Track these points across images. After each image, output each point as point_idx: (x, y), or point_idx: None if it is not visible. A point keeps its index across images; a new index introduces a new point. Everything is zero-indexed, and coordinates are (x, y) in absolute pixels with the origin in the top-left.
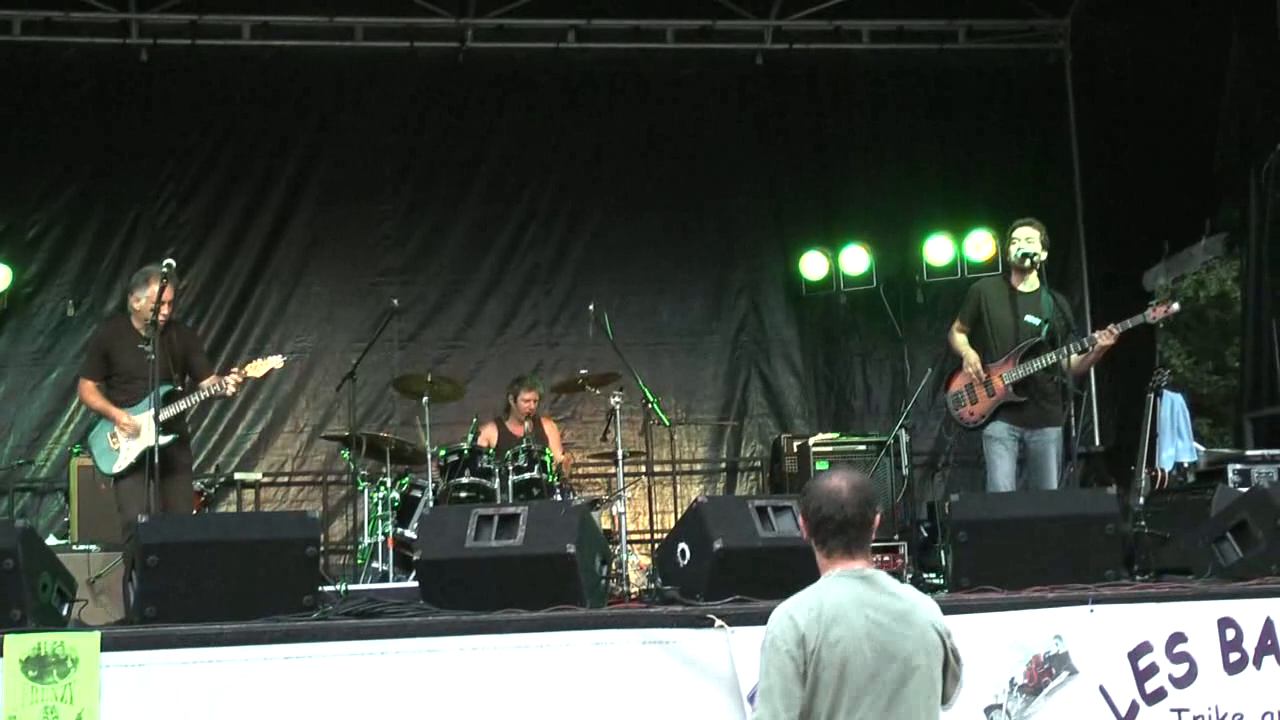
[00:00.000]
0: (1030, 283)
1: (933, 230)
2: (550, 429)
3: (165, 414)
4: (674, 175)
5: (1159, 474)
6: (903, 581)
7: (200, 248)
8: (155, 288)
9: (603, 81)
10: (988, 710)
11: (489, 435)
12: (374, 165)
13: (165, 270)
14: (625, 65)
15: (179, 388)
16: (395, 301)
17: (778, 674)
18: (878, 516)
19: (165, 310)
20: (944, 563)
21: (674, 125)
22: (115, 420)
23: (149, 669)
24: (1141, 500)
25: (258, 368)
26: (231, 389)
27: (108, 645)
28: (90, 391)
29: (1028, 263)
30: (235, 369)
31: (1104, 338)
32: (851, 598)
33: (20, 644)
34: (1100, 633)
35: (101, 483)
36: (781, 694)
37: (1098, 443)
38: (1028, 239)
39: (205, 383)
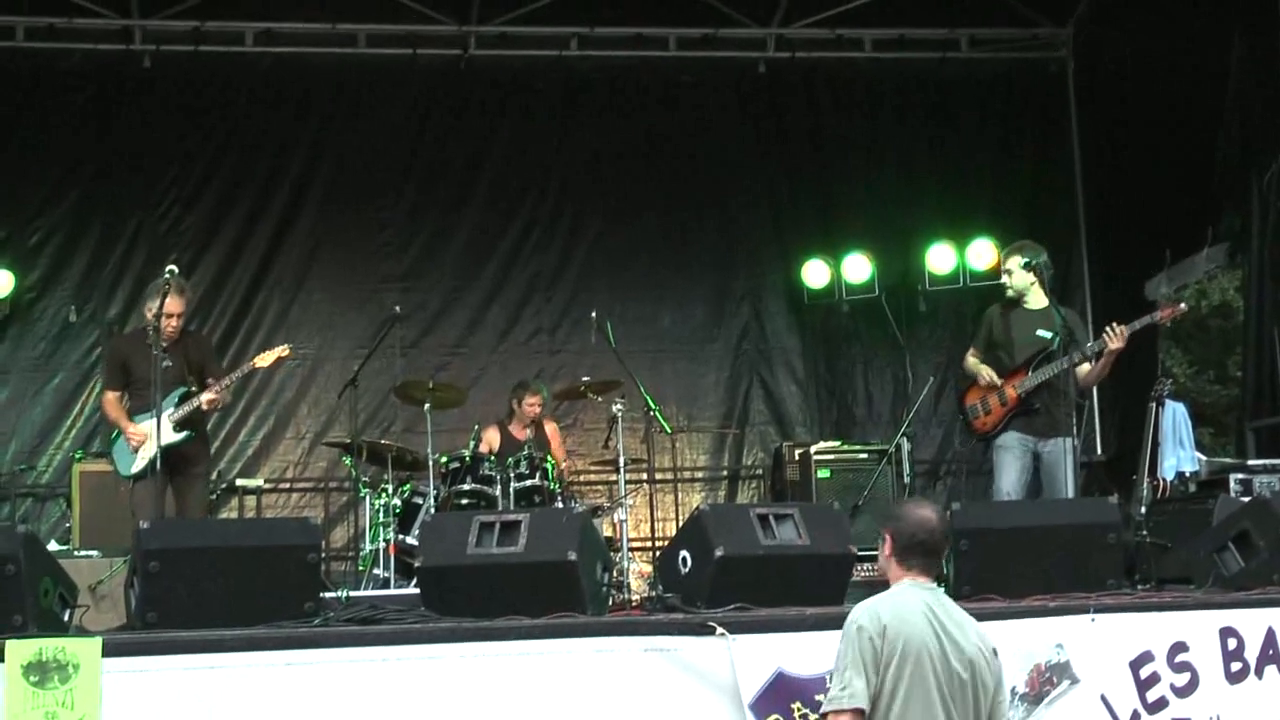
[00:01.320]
0: (1038, 299)
1: (935, 239)
2: (553, 432)
3: (179, 413)
4: (675, 183)
5: (1161, 483)
6: None
7: (202, 254)
8: (171, 298)
9: (604, 89)
10: None
11: (491, 439)
12: (376, 172)
13: (167, 276)
14: (627, 73)
15: (194, 390)
16: (397, 308)
17: (858, 655)
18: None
19: (173, 320)
20: (945, 571)
21: (675, 132)
22: (124, 432)
23: (150, 675)
24: (1143, 509)
25: (265, 358)
26: (236, 378)
27: (109, 651)
28: (110, 403)
29: (1011, 294)
30: (234, 372)
31: (1114, 340)
32: (922, 605)
33: (21, 649)
34: (1102, 642)
35: (120, 485)
36: (859, 673)
37: (1099, 452)
38: (1007, 272)
39: (212, 388)
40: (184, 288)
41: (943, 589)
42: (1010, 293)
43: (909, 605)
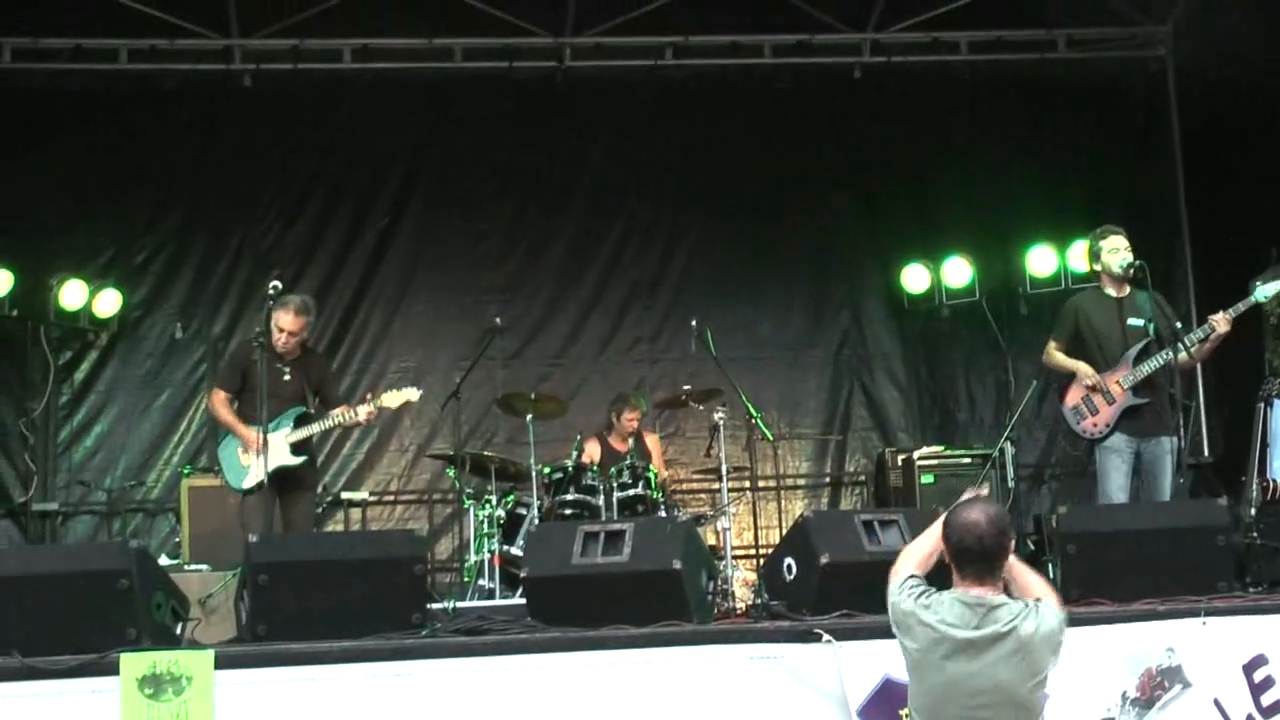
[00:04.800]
0: (1125, 287)
1: (1035, 241)
2: (653, 444)
3: (296, 436)
4: (772, 189)
5: (1270, 484)
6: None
7: (304, 269)
8: (277, 313)
9: (700, 97)
10: None
11: (592, 451)
12: (474, 184)
13: (271, 293)
14: (722, 81)
15: (310, 410)
16: (498, 320)
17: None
18: (1012, 542)
19: (284, 337)
20: (1051, 575)
21: (771, 139)
22: (242, 437)
23: (261, 687)
24: (1253, 511)
25: (393, 399)
26: (363, 419)
27: (221, 664)
28: (221, 402)
29: (1133, 272)
30: (370, 397)
31: (1220, 324)
32: (956, 618)
33: (136, 663)
34: (1213, 645)
35: (228, 496)
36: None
37: (1206, 453)
38: (1127, 248)
39: (335, 411)
40: (307, 307)
41: (1007, 599)
42: (1116, 272)
43: (950, 617)
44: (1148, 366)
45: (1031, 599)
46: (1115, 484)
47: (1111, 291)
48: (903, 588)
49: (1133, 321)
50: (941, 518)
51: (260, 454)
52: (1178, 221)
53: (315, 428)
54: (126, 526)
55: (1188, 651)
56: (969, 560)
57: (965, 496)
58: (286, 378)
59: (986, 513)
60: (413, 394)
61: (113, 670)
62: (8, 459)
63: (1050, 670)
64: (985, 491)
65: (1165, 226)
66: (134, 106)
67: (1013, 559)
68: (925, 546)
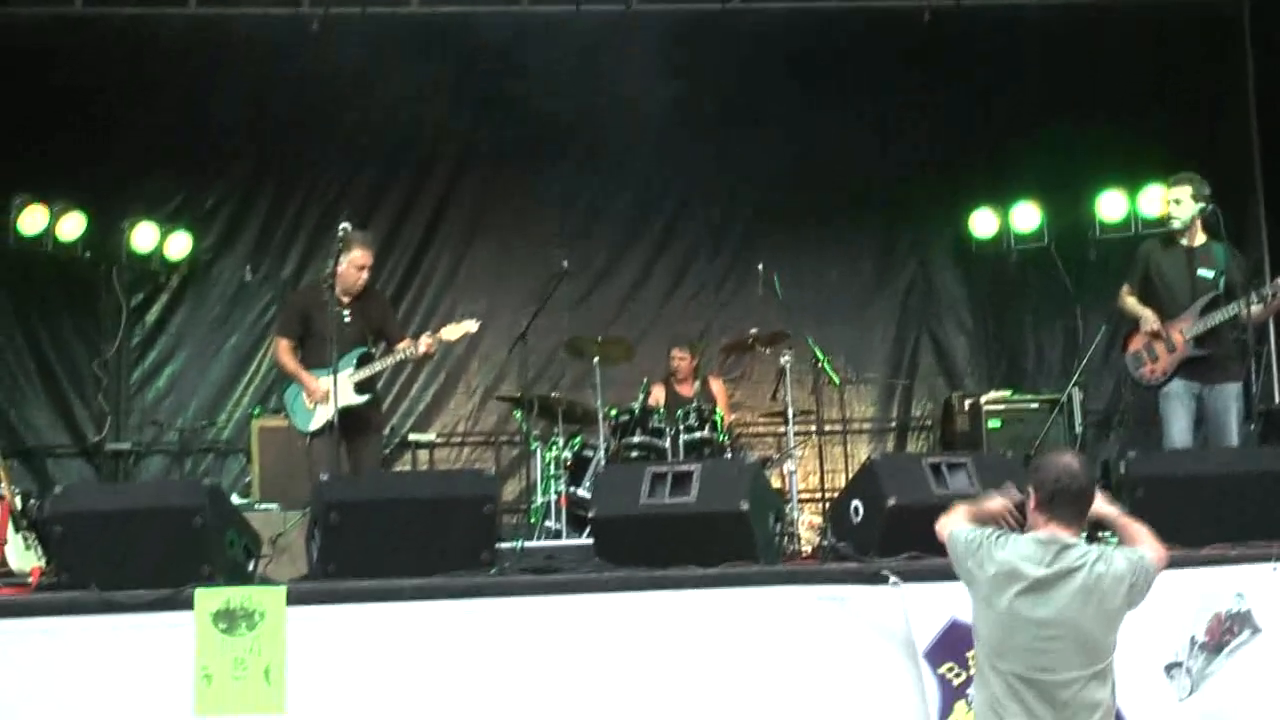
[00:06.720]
0: (1198, 236)
1: (1105, 186)
2: (718, 388)
3: (360, 375)
4: (839, 134)
5: None
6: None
7: (372, 214)
8: (353, 252)
9: (768, 42)
10: (1168, 668)
11: (657, 395)
12: (541, 129)
13: (341, 234)
14: (789, 24)
15: (373, 350)
16: (565, 264)
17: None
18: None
19: (364, 274)
20: None
21: (839, 83)
22: (305, 385)
23: (331, 622)
24: None
25: (452, 331)
26: (424, 349)
27: (292, 600)
28: (285, 351)
29: (1176, 224)
30: (429, 332)
31: None
32: (1028, 556)
33: (211, 598)
34: None
35: (297, 440)
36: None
37: (1278, 400)
38: (1175, 201)
39: (399, 346)
40: (370, 241)
41: (1094, 542)
42: (1177, 224)
43: (1020, 557)
44: (1212, 319)
45: (1130, 547)
46: (1177, 429)
47: (1183, 239)
48: (970, 529)
49: (1202, 272)
50: (1002, 491)
51: (324, 402)
52: (1250, 167)
53: (378, 365)
54: (198, 466)
55: (1257, 597)
56: (1065, 502)
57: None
58: (348, 319)
59: (1078, 457)
60: (471, 326)
61: (188, 605)
62: (81, 399)
63: (1123, 613)
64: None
65: (1238, 172)
66: (203, 52)
67: (1116, 511)
68: (985, 510)
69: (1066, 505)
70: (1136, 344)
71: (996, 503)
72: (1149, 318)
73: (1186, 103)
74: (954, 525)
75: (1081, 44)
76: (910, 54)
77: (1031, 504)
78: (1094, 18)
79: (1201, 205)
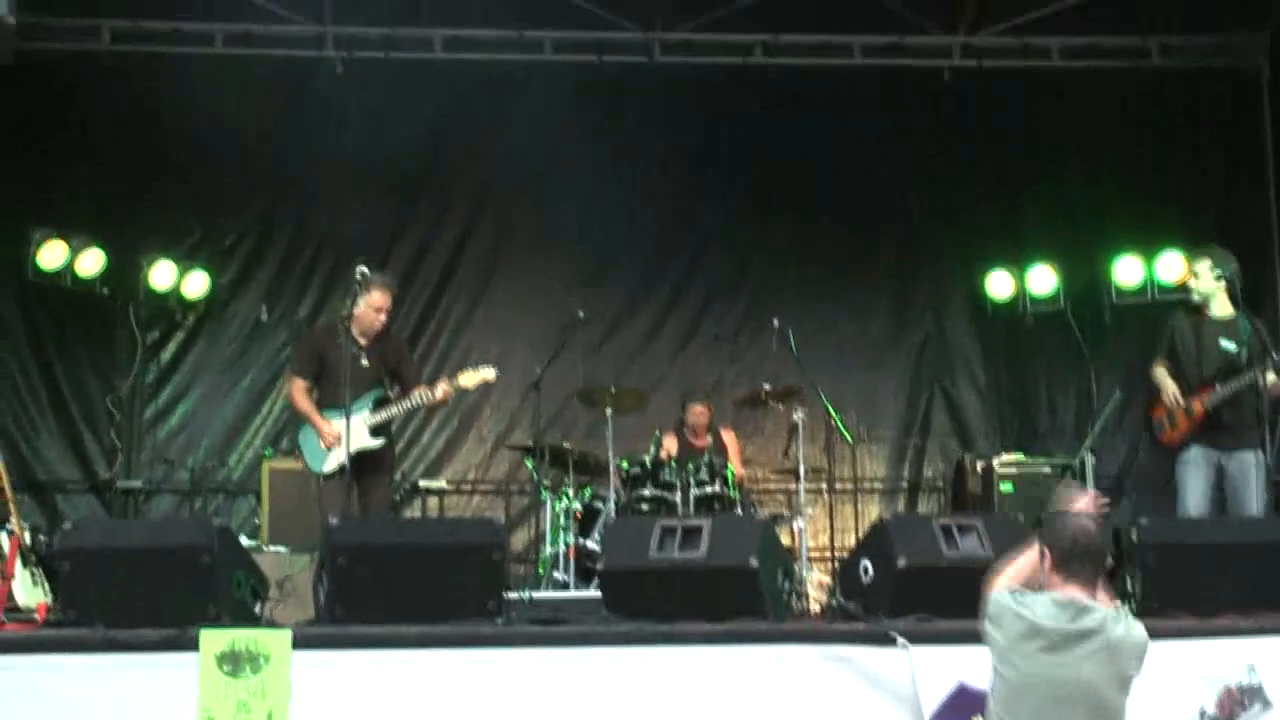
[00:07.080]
0: (1223, 307)
1: (1121, 250)
2: (730, 441)
3: (375, 419)
4: (857, 190)
5: None
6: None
7: (388, 258)
8: (371, 293)
9: (788, 96)
10: None
11: (670, 446)
12: (559, 177)
13: (359, 279)
14: (811, 80)
15: (389, 394)
16: (580, 313)
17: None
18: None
19: (382, 315)
20: (1130, 588)
21: (858, 140)
22: (317, 429)
23: (337, 668)
24: None
25: (470, 379)
26: (440, 396)
27: (299, 643)
28: (300, 391)
29: (1195, 297)
30: (445, 378)
31: None
32: (1048, 615)
33: (216, 639)
34: None
35: (309, 481)
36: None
37: None
38: (1195, 275)
39: (416, 391)
40: (389, 283)
41: (1106, 605)
42: (1196, 298)
43: (1042, 618)
44: (1231, 387)
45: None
46: (1194, 496)
47: (1208, 311)
48: (1001, 591)
49: (1225, 344)
50: (1035, 540)
51: (338, 445)
52: (1268, 232)
53: (394, 409)
54: (207, 506)
55: (1271, 671)
56: (1081, 563)
57: (1063, 487)
58: (365, 362)
59: (1092, 519)
60: (489, 373)
61: (193, 646)
62: (94, 435)
63: (1134, 678)
64: (1078, 486)
65: (1255, 237)
66: (226, 91)
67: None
68: (1024, 565)
69: (1083, 566)
70: (1160, 411)
71: (1033, 556)
72: (1169, 390)
73: (1204, 167)
74: (995, 589)
75: (1100, 107)
76: (929, 112)
77: (1047, 564)
78: (1114, 81)
79: (1220, 279)
